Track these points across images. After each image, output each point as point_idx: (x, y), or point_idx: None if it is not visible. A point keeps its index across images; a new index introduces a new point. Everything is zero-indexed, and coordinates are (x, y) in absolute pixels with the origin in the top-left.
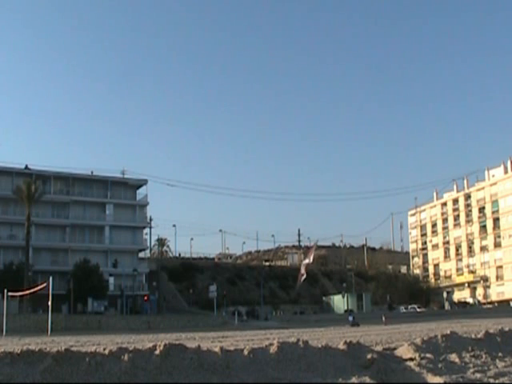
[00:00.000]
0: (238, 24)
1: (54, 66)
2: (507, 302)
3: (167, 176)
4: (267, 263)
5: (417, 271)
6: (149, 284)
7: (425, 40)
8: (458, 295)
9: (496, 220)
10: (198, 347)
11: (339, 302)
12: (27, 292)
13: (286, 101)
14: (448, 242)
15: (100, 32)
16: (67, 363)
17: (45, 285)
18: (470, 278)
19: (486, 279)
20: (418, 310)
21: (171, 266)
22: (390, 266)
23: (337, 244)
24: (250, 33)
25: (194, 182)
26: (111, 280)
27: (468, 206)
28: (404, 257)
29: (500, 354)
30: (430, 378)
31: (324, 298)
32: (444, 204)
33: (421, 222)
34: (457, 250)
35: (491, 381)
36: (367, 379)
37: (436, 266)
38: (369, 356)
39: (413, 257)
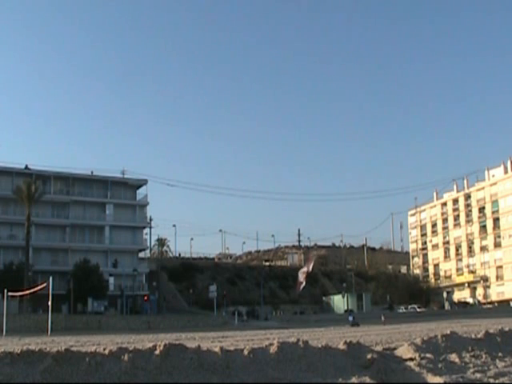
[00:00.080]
0: (238, 24)
1: (54, 66)
2: (507, 301)
3: (167, 176)
4: (267, 263)
5: (417, 271)
6: (149, 284)
7: (425, 40)
8: (457, 295)
9: (496, 220)
10: (198, 347)
11: (339, 302)
12: (27, 292)
13: (286, 101)
14: (448, 242)
15: (100, 32)
16: (67, 363)
17: (45, 285)
18: (470, 278)
19: (485, 279)
20: (418, 310)
21: (171, 265)
22: (389, 266)
23: (337, 244)
24: (249, 33)
25: (194, 181)
26: (111, 280)
27: (468, 206)
28: (404, 257)
29: (500, 354)
30: (430, 378)
31: (324, 298)
32: (444, 204)
33: (421, 222)
34: (457, 249)
35: (491, 381)
36: (367, 379)
37: (436, 266)
38: (369, 356)
39: (413, 257)
